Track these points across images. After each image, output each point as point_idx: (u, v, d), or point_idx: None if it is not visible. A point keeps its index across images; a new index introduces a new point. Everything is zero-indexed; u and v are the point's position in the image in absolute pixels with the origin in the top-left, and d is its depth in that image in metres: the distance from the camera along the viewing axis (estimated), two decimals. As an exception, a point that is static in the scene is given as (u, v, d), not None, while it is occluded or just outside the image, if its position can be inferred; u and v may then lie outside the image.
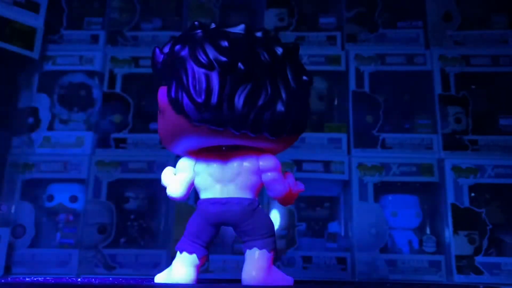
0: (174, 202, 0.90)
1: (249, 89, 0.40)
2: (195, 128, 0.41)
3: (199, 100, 0.39)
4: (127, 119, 0.97)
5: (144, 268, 0.87)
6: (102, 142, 0.95)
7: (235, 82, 0.40)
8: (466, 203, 0.88)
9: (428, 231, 0.94)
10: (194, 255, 0.44)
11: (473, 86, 0.98)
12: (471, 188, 0.89)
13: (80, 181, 0.93)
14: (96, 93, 0.99)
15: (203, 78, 0.40)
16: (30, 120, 0.96)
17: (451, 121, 0.94)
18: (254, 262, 0.43)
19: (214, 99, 0.39)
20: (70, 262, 0.88)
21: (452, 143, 0.92)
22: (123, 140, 0.95)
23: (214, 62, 0.40)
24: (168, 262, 0.88)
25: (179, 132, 0.42)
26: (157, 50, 0.44)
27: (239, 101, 0.40)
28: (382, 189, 0.91)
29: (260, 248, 0.43)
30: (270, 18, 1.03)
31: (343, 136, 0.93)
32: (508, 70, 0.96)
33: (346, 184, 0.93)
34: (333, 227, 0.94)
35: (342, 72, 0.98)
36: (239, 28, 0.43)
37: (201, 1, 1.04)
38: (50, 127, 0.97)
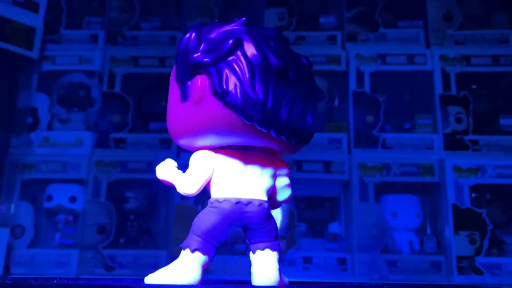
0: (173, 203, 0.90)
1: (292, 97, 0.41)
2: (243, 125, 0.40)
3: (257, 99, 0.39)
4: (127, 119, 0.97)
5: (143, 269, 0.87)
6: (102, 142, 0.94)
7: (284, 87, 0.41)
8: (467, 203, 0.88)
9: (428, 231, 0.93)
10: (206, 256, 0.42)
11: (473, 86, 0.98)
12: (472, 188, 0.89)
13: (80, 181, 0.93)
14: (96, 93, 0.99)
15: (260, 78, 0.40)
16: (29, 120, 0.96)
17: (451, 121, 0.94)
18: (269, 263, 0.43)
19: (270, 101, 0.40)
20: (70, 263, 0.88)
21: (453, 143, 0.92)
22: (123, 140, 0.95)
23: (271, 64, 0.40)
24: (168, 262, 0.88)
25: (218, 126, 0.41)
26: (195, 36, 0.41)
27: (284, 107, 0.41)
28: (382, 189, 0.91)
29: (272, 250, 0.44)
30: (270, 18, 1.03)
31: (343, 136, 0.93)
32: (509, 70, 0.96)
33: (346, 184, 0.92)
34: (333, 227, 0.94)
35: (343, 72, 0.98)
36: (273, 32, 0.43)
37: (201, 0, 1.04)
38: (49, 127, 0.96)
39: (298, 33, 1.01)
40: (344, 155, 0.92)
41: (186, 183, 0.42)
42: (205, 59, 0.40)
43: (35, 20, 0.96)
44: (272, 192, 0.45)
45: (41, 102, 0.97)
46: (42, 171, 0.93)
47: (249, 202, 0.42)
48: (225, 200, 0.42)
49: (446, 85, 0.95)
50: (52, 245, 0.92)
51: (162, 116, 1.05)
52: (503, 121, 0.95)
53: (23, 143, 0.94)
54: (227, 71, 0.40)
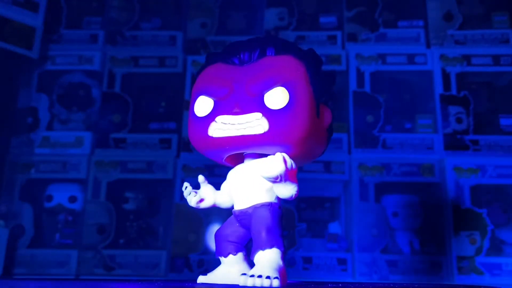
0: (173, 203, 0.90)
1: None
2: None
3: None
4: (127, 119, 0.97)
5: (143, 269, 0.87)
6: (101, 142, 0.94)
7: None
8: (467, 203, 0.88)
9: (428, 231, 0.93)
10: None
11: (474, 86, 0.98)
12: (472, 188, 0.89)
13: (79, 181, 0.93)
14: (95, 93, 0.99)
15: None
16: (29, 120, 0.96)
17: (452, 121, 0.94)
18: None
19: None
20: (69, 263, 0.88)
21: (453, 143, 0.92)
22: (123, 140, 0.95)
23: None
24: (168, 262, 0.88)
25: (321, 148, 0.49)
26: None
27: None
28: (382, 189, 0.91)
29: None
30: (270, 18, 1.03)
31: (343, 136, 0.93)
32: (509, 70, 0.96)
33: (346, 184, 0.92)
34: (333, 227, 0.94)
35: (343, 72, 0.98)
36: None
37: (200, 0, 1.04)
38: (49, 127, 0.96)
39: (298, 33, 1.01)
40: (344, 155, 0.92)
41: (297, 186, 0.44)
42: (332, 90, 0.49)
43: (35, 20, 0.96)
44: None
45: (41, 102, 0.97)
46: (42, 171, 0.93)
47: None
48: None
49: (446, 85, 0.95)
50: (52, 245, 0.92)
51: (162, 116, 1.05)
52: (503, 121, 0.95)
53: (23, 143, 0.94)
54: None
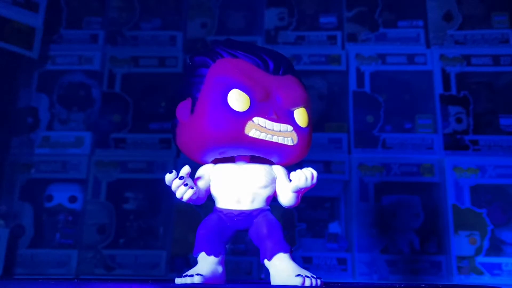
0: (173, 203, 0.90)
1: None
2: None
3: None
4: (127, 119, 0.97)
5: (143, 269, 0.87)
6: (102, 142, 0.94)
7: None
8: (467, 203, 0.88)
9: (428, 231, 0.93)
10: None
11: (474, 86, 0.98)
12: (472, 188, 0.89)
13: (80, 181, 0.93)
14: (96, 93, 0.99)
15: None
16: (29, 120, 0.96)
17: (452, 121, 0.94)
18: None
19: None
20: (69, 263, 0.88)
21: (453, 143, 0.92)
22: (123, 140, 0.95)
23: None
24: (167, 262, 0.88)
25: None
26: None
27: None
28: (382, 189, 0.91)
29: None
30: (270, 18, 1.03)
31: (343, 136, 0.93)
32: (509, 70, 0.96)
33: (346, 184, 0.92)
34: (333, 227, 0.94)
35: (343, 72, 0.98)
36: None
37: (201, 0, 1.04)
38: (49, 127, 0.96)
39: (298, 33, 1.01)
40: (344, 155, 0.92)
41: None
42: None
43: (35, 20, 0.96)
44: None
45: (41, 102, 0.97)
46: (42, 171, 0.93)
47: None
48: None
49: (446, 85, 0.95)
50: (52, 245, 0.92)
51: (162, 116, 1.05)
52: (503, 121, 0.95)
53: (23, 143, 0.94)
54: None
